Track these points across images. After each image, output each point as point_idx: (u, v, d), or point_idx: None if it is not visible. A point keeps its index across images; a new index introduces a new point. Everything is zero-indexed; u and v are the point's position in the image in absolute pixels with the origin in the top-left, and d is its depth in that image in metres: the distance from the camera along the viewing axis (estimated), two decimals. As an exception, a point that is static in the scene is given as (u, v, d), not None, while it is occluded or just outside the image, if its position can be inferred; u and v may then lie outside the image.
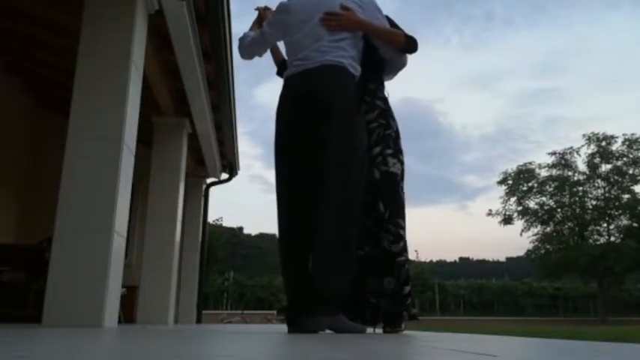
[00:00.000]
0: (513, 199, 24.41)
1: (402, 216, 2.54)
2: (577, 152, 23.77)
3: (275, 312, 18.05)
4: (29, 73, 6.55)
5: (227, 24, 4.54)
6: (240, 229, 70.38)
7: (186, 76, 5.04)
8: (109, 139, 3.30)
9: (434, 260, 63.47)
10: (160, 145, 6.01)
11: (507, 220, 24.48)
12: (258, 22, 2.87)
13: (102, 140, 3.30)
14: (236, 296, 21.16)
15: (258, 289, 21.39)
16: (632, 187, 22.64)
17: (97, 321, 2.99)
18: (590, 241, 23.09)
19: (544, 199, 24.04)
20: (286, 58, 2.70)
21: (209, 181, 8.59)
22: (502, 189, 24.72)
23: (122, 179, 3.30)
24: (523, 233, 24.41)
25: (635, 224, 22.34)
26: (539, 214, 23.96)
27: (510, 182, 24.45)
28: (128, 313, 5.90)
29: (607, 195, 22.98)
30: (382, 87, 2.75)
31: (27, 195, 6.95)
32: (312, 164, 2.37)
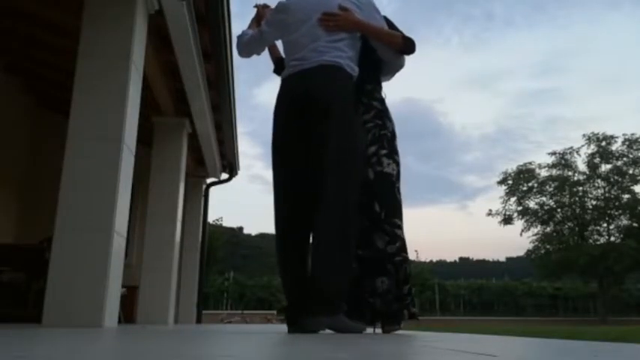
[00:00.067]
0: (513, 199, 24.42)
1: (399, 216, 2.53)
2: (577, 152, 23.79)
3: (275, 312, 18.05)
4: (29, 73, 6.55)
5: (227, 24, 4.54)
6: (240, 229, 70.46)
7: (186, 76, 5.04)
8: (109, 139, 3.30)
9: (434, 260, 63.55)
10: (160, 145, 6.01)
11: (507, 220, 24.48)
12: (257, 20, 2.87)
13: (102, 140, 3.30)
14: (236, 296, 21.16)
15: (258, 289, 21.39)
16: (632, 187, 22.64)
17: (97, 321, 2.99)
18: (590, 241, 23.09)
19: (544, 199, 24.05)
20: (284, 56, 2.71)
21: (209, 181, 8.59)
22: (502, 189, 24.73)
23: (122, 179, 3.30)
24: (523, 233, 24.43)
25: (635, 224, 22.34)
26: (539, 214, 23.96)
27: (510, 182, 24.45)
28: (128, 313, 5.90)
29: (607, 195, 22.98)
30: (379, 88, 2.74)
31: (27, 195, 6.95)
32: (310, 164, 2.37)
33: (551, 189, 23.65)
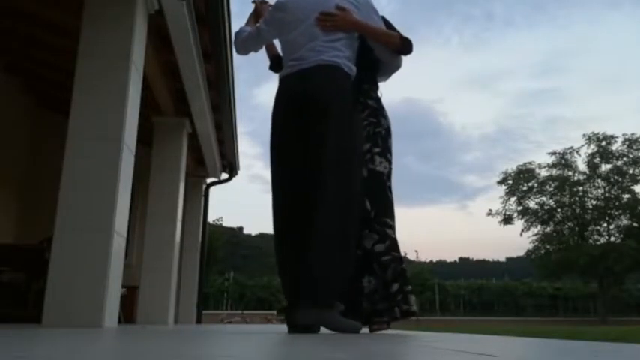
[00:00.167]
0: (513, 199, 24.44)
1: (390, 215, 2.52)
2: (577, 152, 23.81)
3: (275, 312, 18.06)
4: (29, 73, 6.55)
5: (227, 24, 4.54)
6: (240, 229, 70.46)
7: (186, 76, 5.04)
8: (109, 139, 3.30)
9: (434, 260, 63.56)
10: (160, 145, 6.02)
11: (507, 220, 24.50)
12: (255, 16, 2.87)
13: (102, 140, 3.30)
14: (236, 296, 21.17)
15: (258, 289, 21.40)
16: (632, 187, 22.66)
17: (97, 321, 2.99)
18: (590, 241, 23.10)
19: (544, 199, 24.07)
20: (281, 55, 2.70)
21: (209, 181, 8.60)
22: (502, 189, 24.76)
23: (122, 179, 3.30)
24: (523, 233, 24.45)
25: (635, 224, 22.35)
26: (539, 214, 23.97)
27: (510, 182, 24.47)
28: (128, 313, 5.90)
29: (607, 195, 22.99)
30: (376, 87, 2.75)
31: (27, 195, 6.95)
32: (309, 164, 2.37)
33: (551, 189, 23.67)
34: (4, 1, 4.78)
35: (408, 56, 2.71)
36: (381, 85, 2.80)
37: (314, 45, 2.46)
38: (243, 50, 2.79)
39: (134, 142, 3.57)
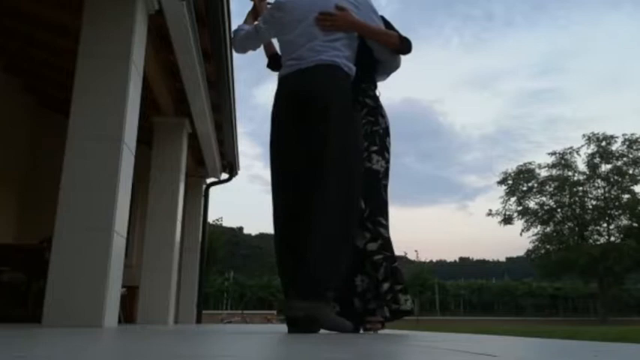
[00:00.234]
0: (513, 199, 24.48)
1: (384, 214, 2.52)
2: (577, 152, 23.85)
3: (275, 312, 18.07)
4: (29, 73, 6.55)
5: (227, 24, 4.54)
6: (240, 229, 70.46)
7: (186, 76, 5.04)
8: (109, 138, 3.30)
9: (434, 260, 63.67)
10: (159, 145, 6.02)
11: (507, 220, 24.53)
12: (254, 14, 2.87)
13: (102, 140, 3.30)
14: (236, 296, 21.20)
15: (258, 289, 21.42)
16: (632, 187, 22.68)
17: (97, 321, 2.99)
18: (590, 241, 23.13)
19: (544, 199, 24.10)
20: (280, 53, 2.70)
21: (209, 181, 8.60)
22: (502, 189, 24.81)
23: (122, 179, 3.30)
24: (523, 233, 24.48)
25: (635, 224, 22.37)
26: (539, 214, 24.00)
27: (510, 182, 24.50)
28: (128, 313, 5.90)
29: (607, 195, 23.02)
30: (374, 86, 2.75)
31: (27, 195, 6.95)
32: (309, 164, 2.36)
33: (551, 189, 23.69)
34: (4, 1, 4.78)
35: (407, 56, 2.72)
36: (381, 85, 2.80)
37: (313, 45, 2.46)
38: (242, 48, 2.79)
39: (134, 141, 3.57)
